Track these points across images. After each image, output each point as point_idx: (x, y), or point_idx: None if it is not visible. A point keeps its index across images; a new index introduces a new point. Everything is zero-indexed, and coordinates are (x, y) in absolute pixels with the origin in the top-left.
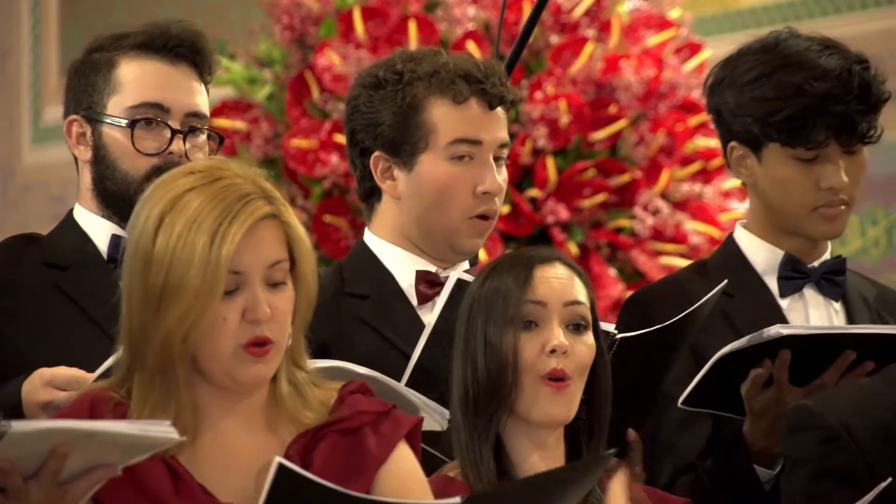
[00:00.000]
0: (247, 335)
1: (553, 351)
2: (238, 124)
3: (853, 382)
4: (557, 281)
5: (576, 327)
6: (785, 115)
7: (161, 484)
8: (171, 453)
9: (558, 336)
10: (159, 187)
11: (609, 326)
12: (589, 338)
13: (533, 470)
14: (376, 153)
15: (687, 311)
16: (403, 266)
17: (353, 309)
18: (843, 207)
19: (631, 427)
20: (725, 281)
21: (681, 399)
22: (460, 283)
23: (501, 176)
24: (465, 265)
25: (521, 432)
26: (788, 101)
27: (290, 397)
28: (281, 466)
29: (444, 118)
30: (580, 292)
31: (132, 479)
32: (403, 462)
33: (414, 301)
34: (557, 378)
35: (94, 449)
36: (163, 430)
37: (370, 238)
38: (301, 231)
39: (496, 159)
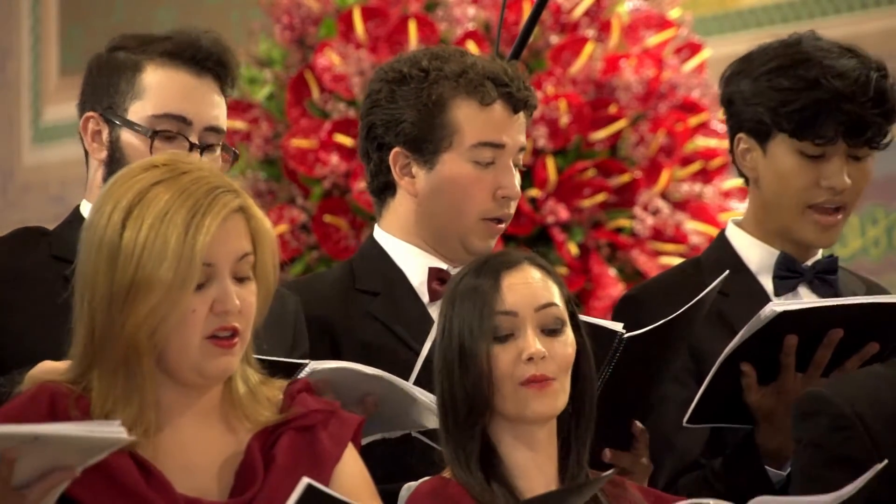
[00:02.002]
0: (213, 325)
1: (531, 359)
2: (238, 124)
3: (866, 370)
4: (526, 287)
5: (551, 331)
6: (797, 106)
7: (132, 477)
8: (133, 448)
9: (534, 344)
10: (120, 182)
11: (617, 326)
12: (566, 337)
13: (524, 469)
14: (396, 149)
15: (691, 304)
16: (415, 263)
17: (364, 305)
18: (839, 216)
19: (636, 420)
20: (727, 272)
21: (685, 418)
22: None
23: (518, 180)
24: None
25: (510, 433)
26: (803, 92)
27: (246, 395)
28: (309, 486)
29: (470, 119)
30: (552, 293)
31: (103, 475)
32: (353, 461)
33: (425, 298)
34: (538, 381)
35: (48, 451)
36: (112, 431)
37: (381, 235)
38: (267, 224)
39: (514, 165)
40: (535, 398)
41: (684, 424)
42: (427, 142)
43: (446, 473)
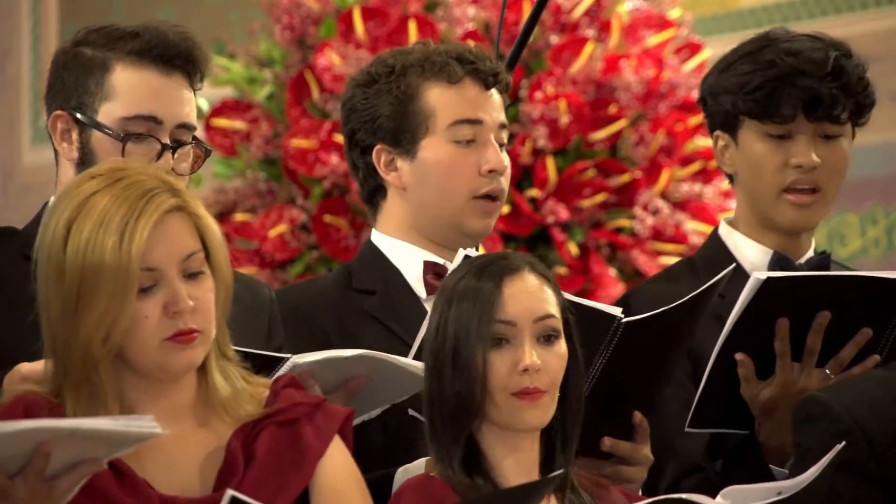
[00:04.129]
0: (170, 329)
1: (526, 370)
2: (238, 124)
3: (865, 374)
4: (527, 296)
5: (546, 339)
6: (754, 86)
7: (105, 481)
8: None
9: (530, 356)
10: (64, 196)
11: (616, 310)
12: (560, 347)
13: (508, 473)
14: (378, 147)
15: (689, 296)
16: (410, 259)
17: (360, 304)
18: (814, 195)
19: (637, 410)
20: (733, 265)
21: (687, 423)
22: None
23: (505, 158)
24: (473, 252)
25: (497, 437)
26: (758, 73)
27: (225, 390)
28: (233, 499)
29: (441, 100)
30: (550, 303)
31: None
32: (339, 455)
33: (422, 293)
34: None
35: (80, 445)
36: (145, 425)
37: (377, 236)
38: (211, 221)
39: (498, 144)
40: (526, 409)
41: (686, 430)
42: (404, 132)
43: (432, 471)
